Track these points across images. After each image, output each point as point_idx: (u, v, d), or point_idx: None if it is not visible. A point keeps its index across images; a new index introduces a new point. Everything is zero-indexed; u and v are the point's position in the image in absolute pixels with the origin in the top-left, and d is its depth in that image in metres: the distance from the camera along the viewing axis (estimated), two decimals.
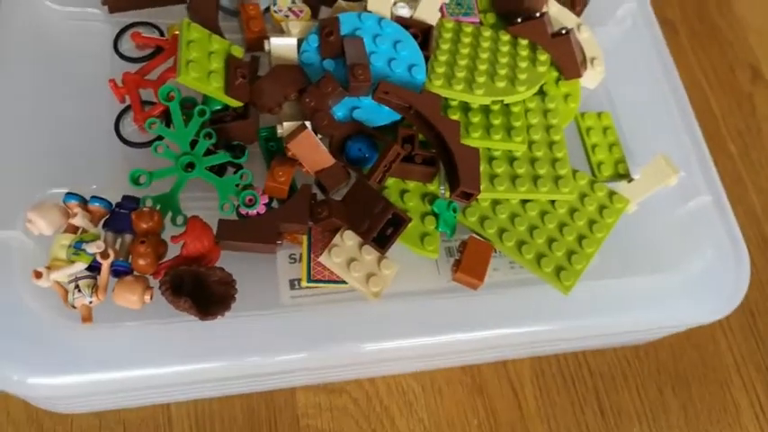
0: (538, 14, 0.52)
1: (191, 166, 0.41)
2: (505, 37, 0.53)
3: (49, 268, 0.38)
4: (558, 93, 0.53)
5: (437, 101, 0.46)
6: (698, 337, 0.58)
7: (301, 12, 0.51)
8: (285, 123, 0.45)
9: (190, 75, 0.41)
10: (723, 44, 0.77)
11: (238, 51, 0.45)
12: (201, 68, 0.42)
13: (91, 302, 0.38)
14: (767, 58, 0.76)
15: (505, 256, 0.47)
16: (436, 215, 0.46)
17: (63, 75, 0.45)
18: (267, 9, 0.51)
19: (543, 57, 0.52)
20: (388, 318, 0.43)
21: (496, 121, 0.49)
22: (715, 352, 0.58)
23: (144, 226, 0.39)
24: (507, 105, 0.50)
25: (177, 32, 0.46)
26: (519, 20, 0.53)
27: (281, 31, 0.49)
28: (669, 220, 0.52)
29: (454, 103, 0.49)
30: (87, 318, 0.38)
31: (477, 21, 0.56)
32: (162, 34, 0.48)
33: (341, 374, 0.49)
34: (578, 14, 0.57)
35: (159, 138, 0.42)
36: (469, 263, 0.45)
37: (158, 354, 0.38)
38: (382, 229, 0.43)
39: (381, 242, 0.43)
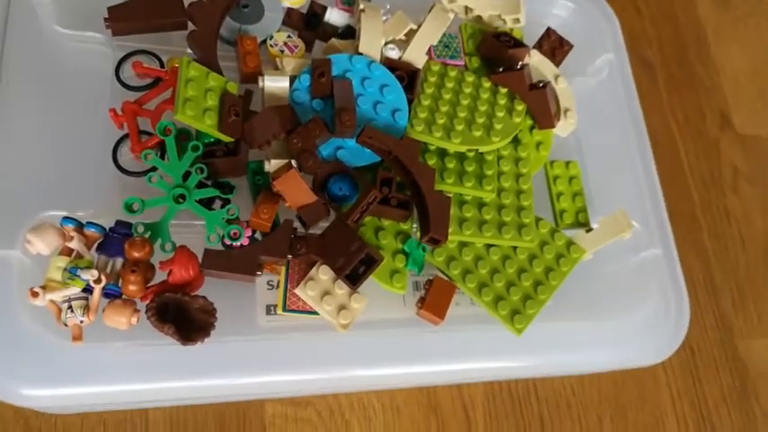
0: (518, 66, 0.55)
1: (182, 197, 0.45)
2: (486, 84, 0.56)
3: (44, 288, 0.41)
4: (531, 141, 0.57)
5: (416, 148, 0.49)
6: (639, 370, 0.63)
7: (296, 47, 0.54)
8: (273, 161, 0.48)
9: (186, 114, 0.44)
10: (698, 89, 0.81)
11: (233, 87, 0.48)
12: (198, 106, 0.45)
13: (82, 322, 0.42)
14: (738, 105, 0.80)
15: (466, 295, 0.51)
16: (406, 254, 0.50)
17: (66, 97, 0.48)
18: (264, 41, 0.54)
19: (520, 107, 0.56)
20: (353, 347, 0.47)
21: (470, 168, 0.52)
22: (654, 386, 0.63)
23: (135, 255, 0.42)
24: (481, 153, 0.53)
25: (176, 65, 0.49)
26: (500, 69, 0.56)
27: (276, 67, 0.52)
28: (621, 268, 0.57)
29: (432, 148, 0.53)
30: (78, 337, 0.41)
31: (462, 64, 0.59)
32: (162, 64, 0.50)
33: (307, 390, 0.53)
34: (558, 64, 0.60)
35: (154, 168, 0.45)
36: (433, 301, 0.49)
37: (141, 372, 0.42)
38: (355, 267, 0.47)
39: (353, 279, 0.47)
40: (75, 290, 0.41)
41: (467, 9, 0.60)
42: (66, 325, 0.41)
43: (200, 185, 0.46)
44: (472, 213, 0.52)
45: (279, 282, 0.48)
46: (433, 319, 0.49)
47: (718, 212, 0.75)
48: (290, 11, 0.56)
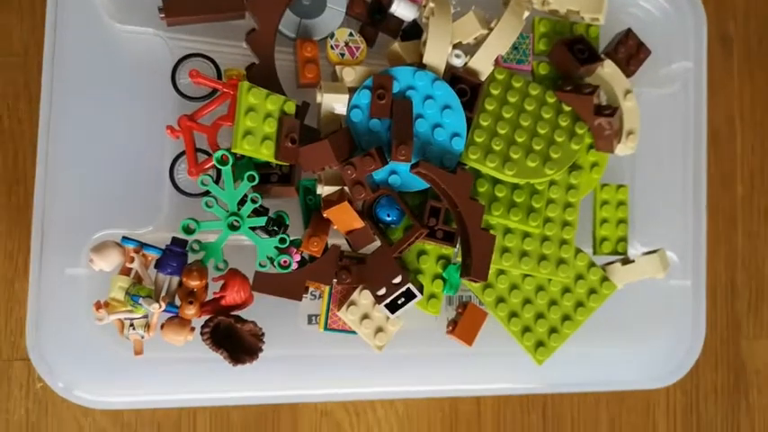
0: (588, 90, 0.52)
1: (236, 225, 0.46)
2: (551, 99, 0.54)
3: (107, 305, 0.44)
4: (587, 161, 0.55)
5: (467, 184, 0.49)
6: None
7: (357, 48, 0.50)
8: (326, 187, 0.48)
9: (244, 148, 0.44)
10: None
11: (291, 107, 0.46)
12: (256, 138, 0.44)
13: (143, 337, 0.45)
14: None
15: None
16: (444, 280, 0.52)
17: (123, 104, 0.47)
18: (324, 38, 0.50)
19: (581, 131, 0.53)
20: (386, 363, 0.51)
21: (519, 199, 0.52)
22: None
23: (192, 284, 0.45)
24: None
25: (233, 75, 0.47)
26: (568, 88, 0.53)
27: (334, 75, 0.50)
28: (647, 293, 0.58)
29: (486, 174, 0.52)
30: (139, 351, 0.45)
31: (530, 69, 0.55)
32: (218, 70, 0.48)
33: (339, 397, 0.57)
34: (631, 74, 0.56)
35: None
36: (464, 327, 0.52)
37: (193, 384, 0.46)
38: (395, 298, 0.49)
39: (392, 308, 0.49)
40: (137, 315, 0.44)
41: (544, 2, 0.55)
42: (127, 338, 0.45)
43: (255, 211, 0.46)
44: (515, 243, 0.53)
45: (321, 294, 0.51)
46: (463, 343, 0.52)
47: (758, 210, 0.74)
48: (354, 0, 0.51)
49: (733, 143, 0.75)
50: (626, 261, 0.56)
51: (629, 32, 0.56)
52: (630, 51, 0.57)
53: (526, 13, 0.54)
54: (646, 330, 0.58)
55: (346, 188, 0.48)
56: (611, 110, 0.53)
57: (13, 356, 0.52)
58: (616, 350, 0.58)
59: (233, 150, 0.44)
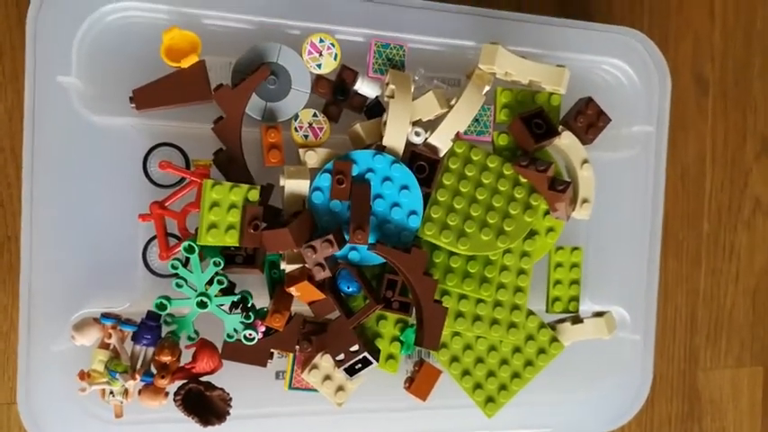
0: (542, 168, 0.54)
1: (204, 304, 0.50)
2: (508, 171, 0.56)
3: (89, 375, 0.49)
4: (542, 226, 0.58)
5: (421, 262, 0.52)
6: None
7: (321, 129, 0.53)
8: (289, 266, 0.51)
9: (208, 241, 0.47)
10: (746, 110, 0.76)
11: (254, 195, 0.49)
12: (220, 230, 0.48)
13: (122, 403, 0.50)
14: None
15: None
16: (402, 342, 0.56)
17: (97, 189, 0.50)
18: (291, 118, 0.53)
19: (536, 202, 0.56)
20: (351, 417, 0.56)
21: (473, 270, 0.55)
22: None
23: (164, 359, 0.49)
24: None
25: (200, 164, 0.50)
26: (525, 163, 0.55)
27: (298, 157, 0.52)
28: (600, 345, 0.62)
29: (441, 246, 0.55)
30: (119, 414, 0.50)
31: (490, 140, 0.58)
32: (186, 156, 0.51)
33: None
34: (590, 141, 0.58)
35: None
36: (419, 384, 0.56)
37: None
38: (353, 364, 0.53)
39: (350, 372, 0.53)
40: (114, 388, 0.49)
41: (507, 73, 0.57)
42: (109, 403, 0.50)
43: (223, 290, 0.50)
44: (468, 308, 0.56)
45: (286, 354, 0.56)
46: (418, 399, 0.57)
47: (723, 248, 0.77)
48: (318, 78, 0.53)
49: (702, 181, 0.77)
50: (576, 320, 0.60)
51: (589, 102, 0.58)
52: (590, 120, 0.58)
53: (486, 88, 0.56)
54: (597, 378, 0.62)
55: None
56: (565, 185, 0.55)
57: (11, 400, 0.58)
58: (567, 396, 0.62)
59: (198, 243, 0.48)
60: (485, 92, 0.55)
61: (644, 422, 0.76)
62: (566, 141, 0.58)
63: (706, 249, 0.77)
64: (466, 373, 0.58)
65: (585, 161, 0.58)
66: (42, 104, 0.49)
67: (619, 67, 0.61)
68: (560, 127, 0.57)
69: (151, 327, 0.50)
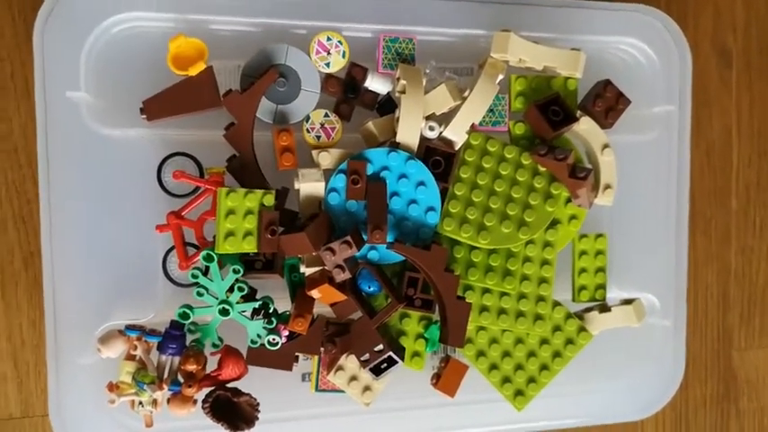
0: (561, 156, 0.53)
1: (226, 311, 0.50)
2: (527, 161, 0.55)
3: (117, 387, 0.50)
4: (564, 214, 0.57)
5: (442, 258, 0.51)
6: None
7: (333, 129, 0.52)
8: (308, 269, 0.51)
9: (226, 249, 0.47)
10: None
11: (270, 200, 0.49)
12: (237, 237, 0.48)
13: (151, 412, 0.51)
14: None
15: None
16: (426, 339, 0.55)
17: (114, 203, 0.50)
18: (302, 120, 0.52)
19: (557, 191, 0.55)
20: (380, 417, 0.56)
21: (495, 263, 0.54)
22: None
23: (189, 368, 0.49)
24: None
25: (214, 172, 0.50)
26: (543, 152, 0.54)
27: (311, 158, 0.52)
28: (630, 332, 0.60)
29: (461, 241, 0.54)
30: (149, 424, 0.51)
31: (506, 129, 0.56)
32: (199, 165, 0.51)
33: None
34: (610, 126, 0.57)
35: None
36: (446, 380, 0.56)
37: None
38: (378, 363, 0.53)
39: (376, 372, 0.53)
40: (143, 398, 0.49)
41: (520, 60, 0.55)
42: (138, 413, 0.51)
43: (244, 296, 0.50)
44: (492, 302, 0.55)
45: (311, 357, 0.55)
46: (445, 395, 0.56)
47: (753, 224, 0.75)
48: (328, 77, 0.53)
49: (728, 156, 0.74)
50: (603, 308, 0.59)
51: (607, 84, 0.56)
52: (609, 104, 0.57)
53: (500, 77, 0.55)
54: (628, 366, 0.61)
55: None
56: (586, 172, 0.54)
57: (45, 412, 0.59)
58: (598, 386, 0.61)
59: (216, 251, 0.47)
60: (498, 81, 0.54)
61: (678, 405, 0.74)
62: (584, 127, 0.56)
63: (735, 226, 0.75)
64: (493, 367, 0.57)
65: (606, 146, 0.57)
66: (54, 120, 0.49)
67: (637, 47, 0.59)
68: (578, 112, 0.56)
69: (175, 336, 0.51)
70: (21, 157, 0.58)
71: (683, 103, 0.59)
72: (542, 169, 0.55)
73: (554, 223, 0.56)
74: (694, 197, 0.73)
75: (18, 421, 0.59)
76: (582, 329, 0.57)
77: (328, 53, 0.52)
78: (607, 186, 0.57)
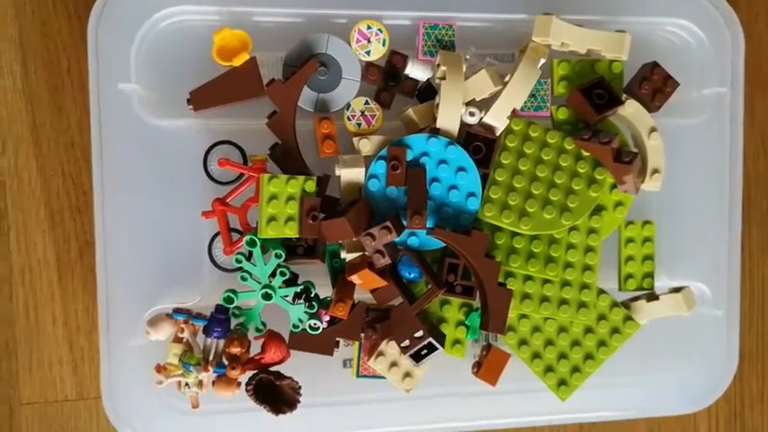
0: (605, 140, 0.52)
1: (269, 295, 0.51)
2: (570, 146, 0.54)
3: (165, 369, 0.51)
4: (610, 201, 0.56)
5: (482, 244, 0.51)
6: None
7: (373, 116, 0.53)
8: (349, 255, 0.52)
9: (269, 233, 0.48)
10: None
11: (311, 186, 0.50)
12: (279, 222, 0.49)
13: (197, 393, 0.52)
14: None
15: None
16: (467, 326, 0.55)
17: (163, 190, 0.52)
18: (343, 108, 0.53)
19: (601, 176, 0.54)
20: (419, 405, 0.56)
21: (537, 249, 0.54)
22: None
23: (233, 351, 0.50)
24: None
25: (257, 159, 0.51)
26: (586, 136, 0.53)
27: (352, 146, 0.52)
28: (675, 319, 0.58)
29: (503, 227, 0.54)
30: (195, 405, 0.52)
31: (549, 114, 0.56)
32: (243, 153, 0.52)
33: None
34: (657, 108, 0.55)
35: None
36: (487, 368, 0.55)
37: (240, 431, 0.53)
38: (418, 350, 0.53)
39: (416, 358, 0.53)
40: (189, 379, 0.51)
41: (563, 43, 0.54)
42: (185, 394, 0.52)
43: (286, 281, 0.51)
44: (535, 290, 0.55)
45: (353, 343, 0.56)
46: (487, 383, 0.56)
47: None
48: (368, 66, 0.53)
49: None
50: (651, 297, 0.57)
51: (654, 66, 0.55)
52: (656, 86, 0.55)
53: (542, 61, 0.54)
54: (679, 358, 0.60)
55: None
56: (632, 156, 0.52)
57: (99, 394, 0.61)
58: (646, 378, 0.60)
59: (259, 236, 0.48)
60: (540, 65, 0.53)
61: (733, 400, 0.71)
62: (630, 110, 0.55)
63: None
64: (536, 355, 0.56)
65: (653, 129, 0.55)
66: (106, 112, 0.51)
67: (685, 28, 0.57)
68: (624, 96, 0.55)
69: (220, 320, 0.52)
70: (77, 151, 0.61)
71: (735, 85, 0.57)
72: (586, 154, 0.54)
73: (599, 209, 0.55)
74: (749, 185, 0.70)
75: (73, 403, 0.61)
76: (628, 318, 0.56)
77: (368, 41, 0.53)
78: (655, 171, 0.55)
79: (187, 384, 0.52)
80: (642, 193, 0.56)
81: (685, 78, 0.55)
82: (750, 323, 0.71)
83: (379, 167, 0.52)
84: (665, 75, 0.55)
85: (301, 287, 0.51)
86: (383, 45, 0.53)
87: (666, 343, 0.59)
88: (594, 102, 0.54)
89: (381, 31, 0.53)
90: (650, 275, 0.58)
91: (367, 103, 0.53)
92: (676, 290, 0.56)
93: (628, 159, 0.53)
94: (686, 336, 0.59)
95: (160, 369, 0.52)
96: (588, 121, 0.54)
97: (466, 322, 0.55)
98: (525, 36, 0.54)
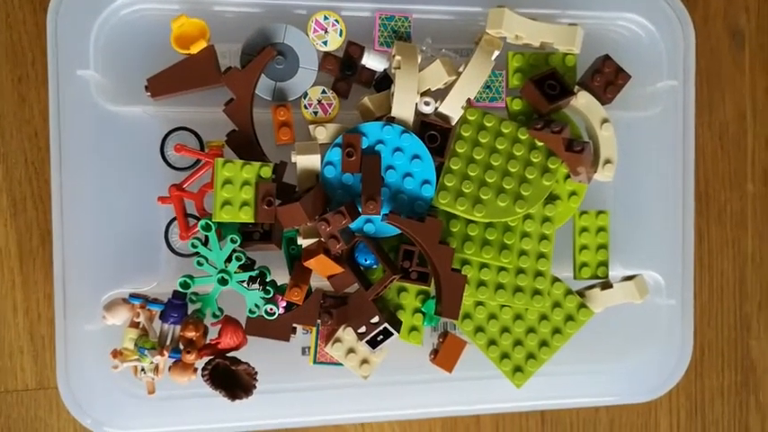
0: (557, 129, 0.53)
1: (225, 281, 0.51)
2: (524, 136, 0.55)
3: (121, 354, 0.52)
4: (564, 190, 0.57)
5: (436, 230, 0.52)
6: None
7: (330, 105, 0.54)
8: (304, 240, 0.52)
9: (223, 217, 0.49)
10: None
11: (267, 172, 0.50)
12: (234, 207, 0.49)
13: (153, 379, 0.52)
14: None
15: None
16: (424, 313, 0.56)
17: (120, 175, 0.53)
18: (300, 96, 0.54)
19: (554, 165, 0.55)
20: (375, 392, 0.56)
21: (492, 237, 0.55)
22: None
23: (189, 335, 0.51)
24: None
25: (214, 145, 0.52)
26: (539, 126, 0.54)
27: (308, 134, 0.53)
28: (631, 309, 0.59)
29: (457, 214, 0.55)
30: (152, 391, 0.53)
31: (503, 105, 0.57)
32: (200, 139, 0.53)
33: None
34: (608, 101, 0.57)
35: None
36: (444, 355, 0.56)
37: (200, 415, 0.54)
38: (374, 336, 0.53)
39: (372, 344, 0.54)
40: (144, 364, 0.51)
41: (517, 36, 0.56)
42: (141, 380, 0.53)
43: (242, 266, 0.52)
44: (490, 277, 0.56)
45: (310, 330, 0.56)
46: (444, 370, 0.56)
47: None
48: (326, 56, 0.54)
49: (743, 140, 0.73)
50: (606, 285, 0.58)
51: (605, 59, 0.56)
52: (608, 78, 0.56)
53: (496, 53, 0.55)
54: (633, 347, 0.60)
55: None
56: (582, 145, 0.54)
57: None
58: (602, 366, 0.60)
59: (213, 220, 0.49)
60: (494, 57, 0.55)
61: (693, 394, 0.72)
62: (582, 101, 0.56)
63: (752, 212, 0.73)
64: (492, 342, 0.57)
65: (605, 120, 0.56)
66: (65, 98, 0.52)
67: (637, 23, 0.58)
68: (576, 87, 0.56)
69: (177, 305, 0.52)
70: (40, 141, 0.61)
71: (686, 78, 0.58)
72: (540, 144, 0.55)
73: (553, 198, 0.56)
74: (708, 182, 0.72)
75: (33, 393, 0.61)
76: (582, 306, 0.57)
77: (325, 32, 0.54)
78: (607, 161, 0.56)
79: (143, 369, 0.52)
80: (598, 184, 0.57)
81: (639, 72, 0.57)
82: (709, 318, 0.73)
83: (335, 154, 0.53)
84: (617, 67, 0.57)
85: (257, 272, 0.52)
86: (340, 36, 0.54)
87: (621, 331, 0.60)
88: (547, 93, 0.55)
89: (338, 22, 0.54)
90: (604, 264, 0.59)
91: (324, 92, 0.54)
92: (629, 278, 0.58)
93: (579, 148, 0.54)
94: (641, 325, 0.60)
95: (116, 354, 0.52)
96: (541, 112, 0.55)
97: (423, 309, 0.56)
98: (482, 31, 0.55)
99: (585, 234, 0.58)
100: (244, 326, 0.53)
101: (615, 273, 0.59)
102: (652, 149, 0.59)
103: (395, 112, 0.53)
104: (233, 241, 0.50)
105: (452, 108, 0.54)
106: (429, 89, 0.54)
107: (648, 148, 0.59)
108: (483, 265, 0.56)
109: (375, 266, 0.55)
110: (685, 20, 0.59)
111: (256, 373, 0.53)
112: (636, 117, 0.59)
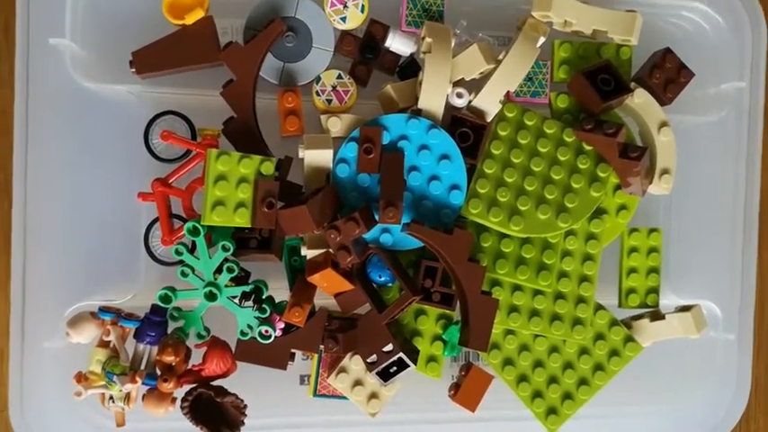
0: (611, 131, 0.46)
1: (213, 295, 0.43)
2: (570, 138, 0.47)
3: (86, 379, 0.43)
4: (612, 204, 0.49)
5: (466, 244, 0.44)
6: None
7: (347, 92, 0.46)
8: (309, 251, 0.44)
9: (213, 219, 0.41)
10: None
11: (268, 168, 0.43)
12: (227, 207, 0.41)
13: (123, 409, 0.44)
14: None
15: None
16: (445, 342, 0.48)
17: (96, 166, 0.45)
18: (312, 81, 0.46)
19: (604, 174, 0.47)
20: (381, 430, 0.48)
21: (529, 255, 0.47)
22: None
23: (167, 359, 0.43)
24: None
25: (208, 134, 0.44)
26: (589, 126, 0.47)
27: (320, 126, 0.46)
28: (681, 343, 0.52)
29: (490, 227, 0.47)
30: (121, 423, 0.44)
31: (547, 102, 0.49)
32: (192, 126, 0.45)
33: None
34: (669, 101, 0.49)
35: None
36: (467, 392, 0.48)
37: None
38: (387, 366, 0.46)
39: (384, 376, 0.46)
40: (113, 392, 0.43)
41: (566, 22, 0.48)
42: (109, 409, 0.44)
43: (234, 279, 0.44)
44: (524, 302, 0.48)
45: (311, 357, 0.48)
46: (466, 408, 0.48)
47: None
48: (343, 35, 0.47)
49: None
50: (656, 316, 0.50)
51: (666, 53, 0.49)
52: (669, 75, 0.49)
53: (542, 40, 0.48)
54: (682, 386, 0.53)
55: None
56: (640, 151, 0.46)
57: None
58: (645, 409, 0.53)
59: (203, 223, 0.41)
60: (539, 44, 0.47)
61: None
62: (639, 101, 0.48)
63: None
64: (522, 378, 0.49)
65: (664, 124, 0.49)
66: (35, 71, 0.44)
67: (702, 13, 0.51)
68: (632, 84, 0.48)
69: (155, 322, 0.44)
70: (4, 122, 0.53)
71: (756, 80, 0.51)
72: (588, 148, 0.48)
73: (600, 213, 0.49)
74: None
75: None
76: (630, 339, 0.49)
77: (345, 6, 0.46)
78: (664, 172, 0.49)
79: (111, 398, 0.44)
80: (649, 197, 0.50)
81: (701, 70, 0.49)
82: (758, 354, 0.65)
83: (350, 150, 0.45)
84: (679, 63, 0.49)
85: (251, 287, 0.44)
86: (362, 11, 0.46)
87: (670, 369, 0.52)
88: (600, 88, 0.47)
89: None
90: (655, 291, 0.51)
91: (340, 77, 0.46)
92: (685, 309, 0.50)
93: (635, 155, 0.46)
94: (692, 361, 0.53)
95: (80, 378, 0.44)
96: (591, 111, 0.47)
97: (443, 337, 0.48)
98: (525, 14, 0.48)
99: (635, 255, 0.50)
100: (233, 350, 0.45)
101: (666, 302, 0.51)
102: (713, 160, 0.52)
103: (422, 104, 0.45)
104: (225, 249, 0.42)
105: (489, 102, 0.46)
106: (462, 79, 0.47)
107: (708, 158, 0.52)
108: (516, 288, 0.48)
109: (391, 285, 0.47)
110: (757, 14, 0.51)
111: (245, 406, 0.45)
112: (695, 122, 0.52)
